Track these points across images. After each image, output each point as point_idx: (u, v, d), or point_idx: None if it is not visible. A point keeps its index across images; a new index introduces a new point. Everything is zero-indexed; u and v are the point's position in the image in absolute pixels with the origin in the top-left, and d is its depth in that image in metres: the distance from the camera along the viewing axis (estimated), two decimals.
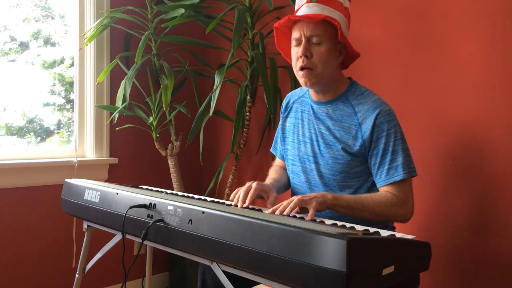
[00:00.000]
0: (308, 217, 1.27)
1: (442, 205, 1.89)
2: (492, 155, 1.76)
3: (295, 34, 1.49)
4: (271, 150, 1.82)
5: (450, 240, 1.87)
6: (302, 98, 1.66)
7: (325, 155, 1.53)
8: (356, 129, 1.48)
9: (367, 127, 1.46)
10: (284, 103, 1.73)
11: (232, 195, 1.45)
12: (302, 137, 1.61)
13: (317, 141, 1.55)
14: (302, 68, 1.48)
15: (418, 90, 1.95)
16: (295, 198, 1.31)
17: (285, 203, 1.31)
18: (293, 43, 1.51)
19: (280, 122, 1.73)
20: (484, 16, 1.77)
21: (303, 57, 1.46)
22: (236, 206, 1.40)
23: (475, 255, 1.81)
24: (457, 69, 1.84)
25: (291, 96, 1.72)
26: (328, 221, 1.26)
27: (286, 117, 1.70)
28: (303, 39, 1.46)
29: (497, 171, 1.75)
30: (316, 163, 1.55)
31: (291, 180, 1.67)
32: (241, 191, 1.43)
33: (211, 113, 2.14)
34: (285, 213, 1.28)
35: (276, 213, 1.29)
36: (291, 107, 1.69)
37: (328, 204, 1.35)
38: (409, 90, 1.98)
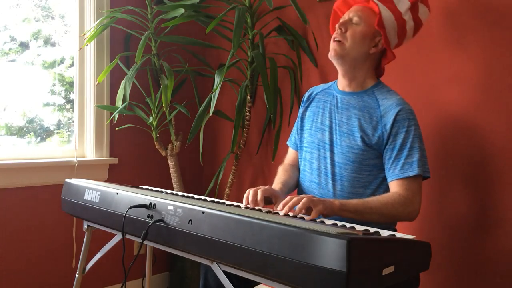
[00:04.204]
0: (308, 217, 1.27)
1: (442, 205, 1.89)
2: (492, 155, 1.76)
3: (343, 17, 1.59)
4: (287, 142, 1.84)
5: (450, 240, 1.87)
6: (327, 90, 1.70)
7: (341, 143, 1.56)
8: (377, 120, 1.52)
9: (388, 120, 1.50)
10: (306, 95, 1.77)
11: (244, 198, 1.44)
12: (320, 124, 1.64)
13: (335, 129, 1.59)
14: (334, 39, 1.56)
15: (417, 89, 1.95)
16: (304, 197, 1.31)
17: (295, 199, 1.32)
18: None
19: (300, 113, 1.76)
20: (484, 15, 1.77)
21: (338, 29, 1.54)
22: (247, 207, 1.40)
23: (475, 255, 1.81)
24: (456, 68, 1.85)
25: (315, 88, 1.76)
26: (328, 221, 1.26)
27: (308, 106, 1.74)
28: (346, 17, 1.57)
29: (497, 170, 1.75)
30: (331, 151, 1.58)
31: (301, 168, 1.69)
32: (250, 190, 1.43)
33: (211, 113, 2.14)
34: (295, 212, 1.29)
35: (285, 209, 1.30)
36: (314, 98, 1.73)
37: (336, 210, 1.35)
38: (408, 89, 1.98)
